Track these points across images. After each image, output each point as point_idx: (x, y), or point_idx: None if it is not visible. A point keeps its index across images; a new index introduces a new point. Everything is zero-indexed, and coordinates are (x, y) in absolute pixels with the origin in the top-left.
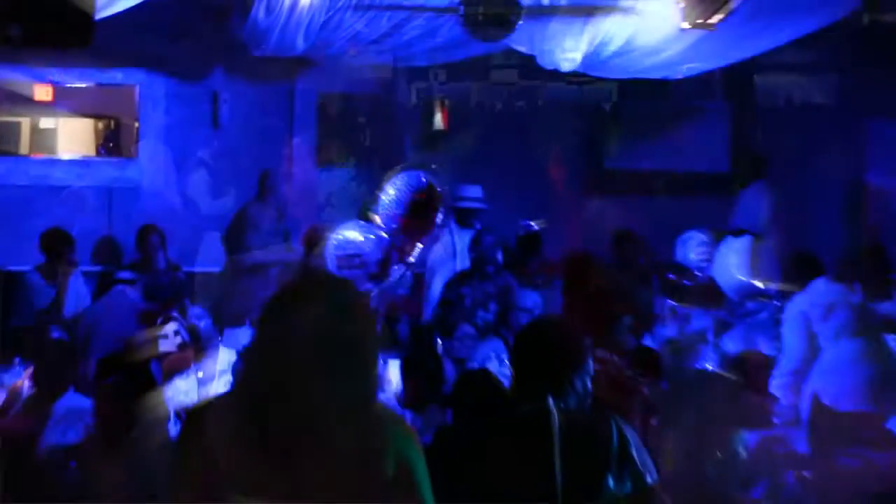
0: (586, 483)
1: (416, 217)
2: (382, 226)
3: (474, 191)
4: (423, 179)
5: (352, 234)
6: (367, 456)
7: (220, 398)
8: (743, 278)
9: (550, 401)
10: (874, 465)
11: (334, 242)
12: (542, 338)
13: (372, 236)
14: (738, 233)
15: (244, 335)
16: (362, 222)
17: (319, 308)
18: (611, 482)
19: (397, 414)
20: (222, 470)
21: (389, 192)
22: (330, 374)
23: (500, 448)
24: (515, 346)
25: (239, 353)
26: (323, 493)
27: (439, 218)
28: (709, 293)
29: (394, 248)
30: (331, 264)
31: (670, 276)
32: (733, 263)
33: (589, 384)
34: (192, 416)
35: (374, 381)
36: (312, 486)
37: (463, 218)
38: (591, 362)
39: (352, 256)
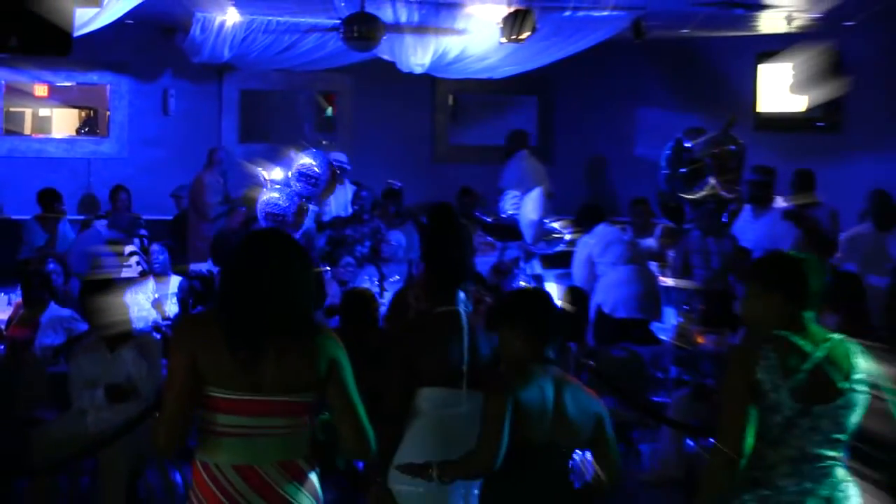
0: (483, 368)
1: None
2: (299, 188)
3: (342, 156)
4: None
5: (275, 195)
6: (305, 358)
7: (201, 314)
8: (534, 220)
9: (460, 304)
10: (638, 355)
11: (263, 202)
12: (453, 262)
13: (288, 197)
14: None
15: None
16: (280, 185)
17: (280, 249)
18: None
19: (328, 327)
20: (202, 368)
21: (313, 167)
22: (285, 296)
23: (421, 339)
24: (438, 271)
25: (187, 276)
26: (280, 385)
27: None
28: (511, 231)
29: (304, 205)
30: (261, 218)
31: (483, 217)
32: (528, 210)
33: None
34: (179, 327)
35: (313, 303)
36: (276, 380)
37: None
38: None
39: (277, 215)
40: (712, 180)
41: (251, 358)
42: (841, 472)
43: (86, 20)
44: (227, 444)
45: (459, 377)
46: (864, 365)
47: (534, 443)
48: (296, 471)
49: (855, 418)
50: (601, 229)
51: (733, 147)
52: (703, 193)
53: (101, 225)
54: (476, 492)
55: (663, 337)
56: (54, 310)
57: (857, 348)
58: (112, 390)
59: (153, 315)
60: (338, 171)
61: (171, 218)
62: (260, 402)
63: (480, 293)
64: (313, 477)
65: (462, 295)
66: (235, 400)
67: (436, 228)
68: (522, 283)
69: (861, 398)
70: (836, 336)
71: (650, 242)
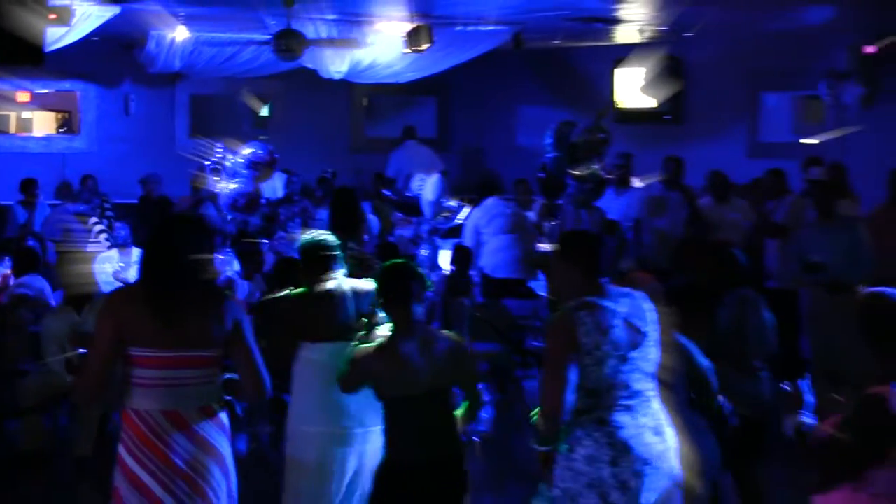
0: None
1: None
2: (248, 174)
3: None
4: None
5: (233, 185)
6: (214, 318)
7: (127, 287)
8: (431, 200)
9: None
10: (508, 309)
11: (230, 192)
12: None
13: (247, 184)
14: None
15: None
16: (234, 175)
17: (190, 231)
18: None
19: (232, 294)
20: (128, 331)
21: (258, 154)
22: (195, 270)
23: (312, 304)
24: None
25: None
26: (196, 341)
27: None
28: (413, 207)
29: (258, 189)
30: (225, 206)
31: (388, 193)
32: (427, 191)
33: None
34: (107, 298)
35: (217, 274)
36: (192, 337)
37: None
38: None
39: (241, 205)
40: (597, 164)
41: (169, 320)
42: (656, 402)
43: (58, 37)
44: (155, 394)
45: (348, 332)
46: (653, 308)
47: (418, 391)
48: (211, 412)
49: (656, 354)
50: (489, 203)
51: (602, 135)
52: (587, 172)
53: (72, 204)
54: (373, 428)
55: (541, 293)
56: (33, 279)
57: (644, 296)
58: (68, 364)
59: (117, 282)
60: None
61: (133, 202)
62: (179, 357)
63: (366, 257)
64: (223, 417)
65: (338, 266)
66: (159, 356)
67: (331, 213)
68: (424, 252)
69: (656, 336)
70: (627, 290)
71: (530, 215)
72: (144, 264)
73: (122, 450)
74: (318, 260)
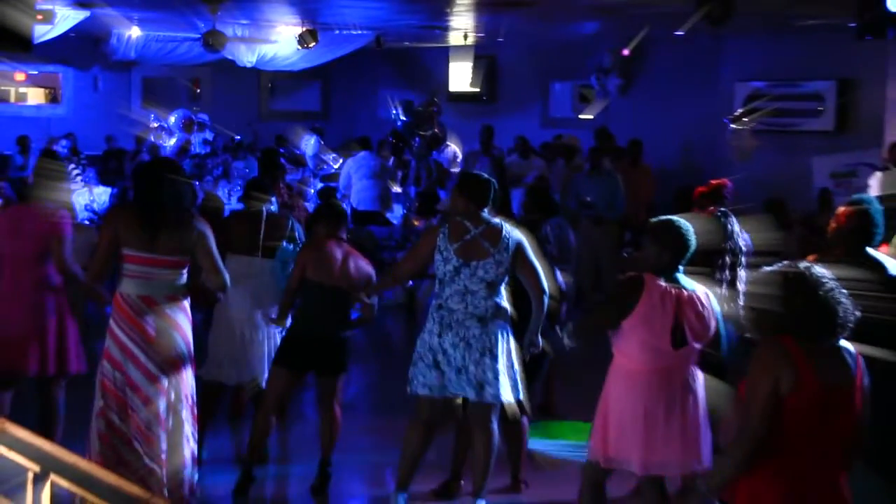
0: (275, 246)
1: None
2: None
3: (204, 116)
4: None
5: (172, 141)
6: (187, 231)
7: (124, 204)
8: (311, 154)
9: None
10: (373, 233)
11: (173, 144)
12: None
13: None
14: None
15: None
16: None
17: (168, 170)
18: (287, 245)
19: (199, 217)
20: (122, 236)
21: (181, 118)
22: (171, 197)
23: (236, 227)
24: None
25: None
26: (169, 249)
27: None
28: (301, 160)
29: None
30: (170, 154)
31: (282, 150)
32: (308, 148)
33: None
34: (109, 211)
35: (193, 201)
36: (166, 246)
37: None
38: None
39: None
40: (436, 129)
41: (151, 232)
42: (491, 302)
43: (44, 32)
44: (135, 283)
45: (255, 249)
46: (509, 235)
47: (329, 282)
48: (174, 299)
49: (502, 270)
50: (360, 155)
51: (435, 109)
52: (428, 133)
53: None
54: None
55: (394, 222)
56: None
57: (508, 226)
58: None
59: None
60: (194, 121)
61: (99, 153)
62: (153, 259)
63: (293, 197)
64: (186, 303)
65: (268, 196)
66: (140, 256)
67: (261, 162)
68: (312, 191)
69: (505, 257)
70: (494, 220)
71: (389, 166)
72: (137, 190)
73: (111, 322)
74: (255, 190)
